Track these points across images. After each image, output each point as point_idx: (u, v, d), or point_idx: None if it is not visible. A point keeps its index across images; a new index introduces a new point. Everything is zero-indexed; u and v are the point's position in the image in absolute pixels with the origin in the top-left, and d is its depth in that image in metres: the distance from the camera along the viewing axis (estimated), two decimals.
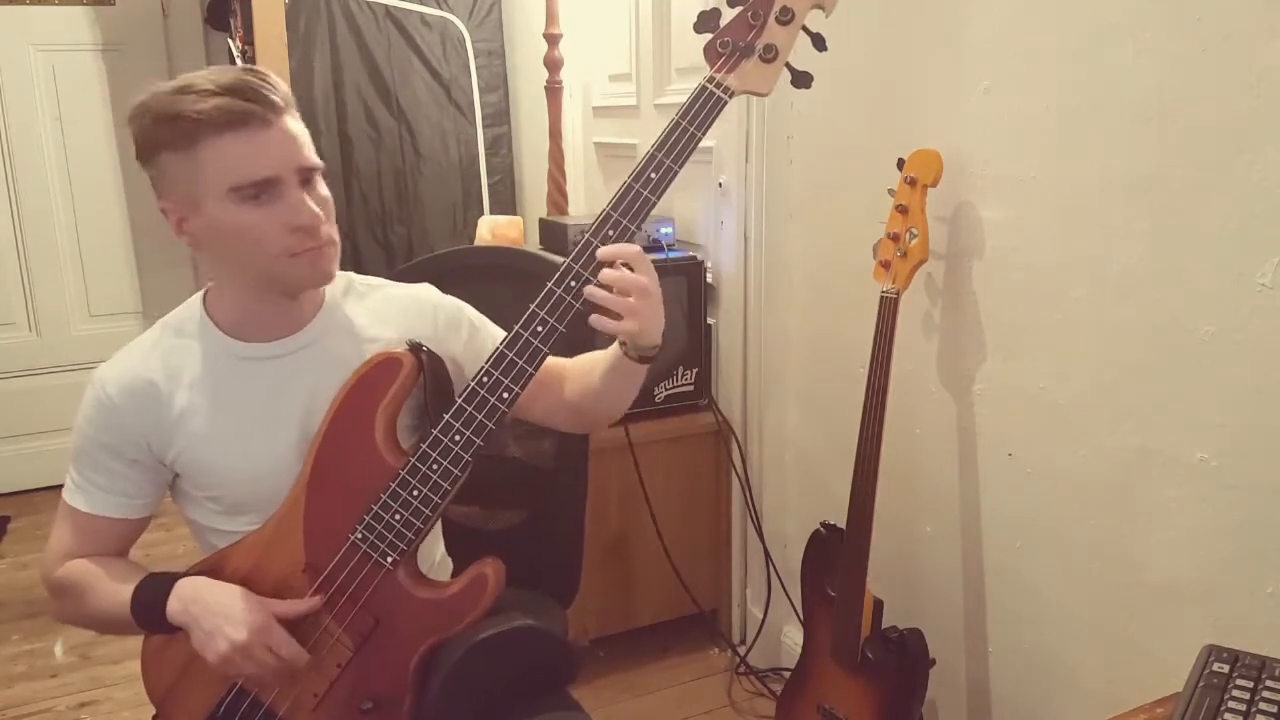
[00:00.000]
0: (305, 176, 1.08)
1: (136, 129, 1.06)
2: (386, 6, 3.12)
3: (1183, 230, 1.27)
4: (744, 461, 2.31)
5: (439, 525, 1.31)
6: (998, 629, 1.66)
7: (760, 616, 2.33)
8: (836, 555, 1.65)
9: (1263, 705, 0.88)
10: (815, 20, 1.12)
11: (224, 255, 1.10)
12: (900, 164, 1.57)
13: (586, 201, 2.99)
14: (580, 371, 1.24)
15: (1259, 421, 1.21)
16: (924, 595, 1.80)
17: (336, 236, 1.11)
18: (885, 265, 1.58)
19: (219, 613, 1.04)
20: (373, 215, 3.28)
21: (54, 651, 2.52)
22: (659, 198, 1.07)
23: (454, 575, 1.19)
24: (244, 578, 1.11)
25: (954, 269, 1.65)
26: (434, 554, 1.30)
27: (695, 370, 2.31)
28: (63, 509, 1.17)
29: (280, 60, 2.43)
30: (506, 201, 3.43)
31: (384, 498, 1.08)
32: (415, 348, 1.15)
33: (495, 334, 1.26)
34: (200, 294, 1.19)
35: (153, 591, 1.09)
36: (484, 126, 3.27)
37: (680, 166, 1.07)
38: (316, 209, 1.08)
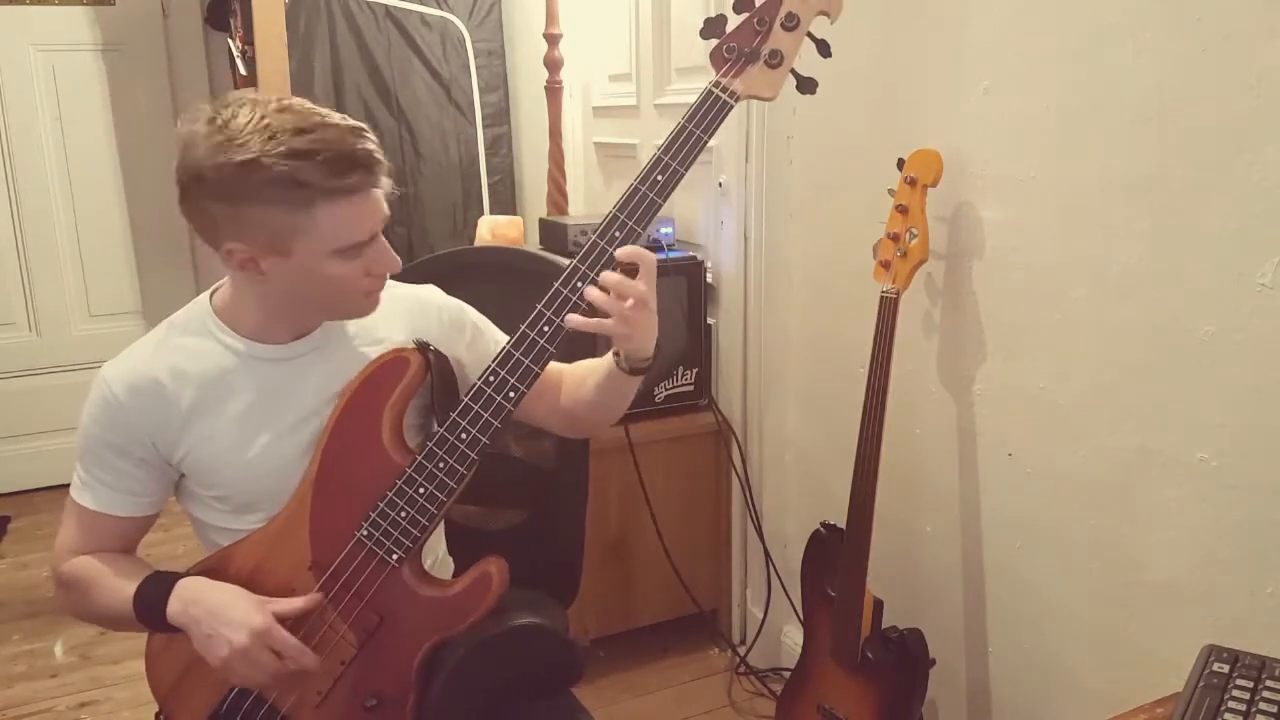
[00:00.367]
0: (386, 221, 1.11)
1: (231, 184, 1.00)
2: (386, 6, 3.12)
3: (1183, 230, 1.28)
4: (744, 461, 2.31)
5: (441, 524, 1.31)
6: (998, 629, 1.67)
7: (760, 616, 2.34)
8: (836, 555, 1.65)
9: (1263, 705, 0.88)
10: (820, 26, 1.13)
11: (295, 291, 1.10)
12: (900, 164, 1.57)
13: (586, 201, 2.99)
14: (576, 379, 1.25)
15: (1259, 421, 1.22)
16: (924, 595, 1.81)
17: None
18: (885, 265, 1.59)
19: (219, 615, 1.04)
20: None
21: (54, 651, 2.52)
22: (665, 200, 1.07)
23: (456, 574, 1.19)
24: (248, 575, 1.12)
25: (954, 269, 1.65)
26: (436, 552, 1.31)
27: (695, 370, 2.31)
28: (70, 505, 1.18)
29: (280, 60, 2.43)
30: (506, 201, 3.43)
31: (390, 495, 1.09)
32: (423, 347, 1.16)
33: (497, 337, 1.28)
34: (206, 294, 1.19)
35: (154, 591, 1.09)
36: (484, 126, 3.27)
37: (686, 170, 1.08)
38: (395, 256, 1.12)
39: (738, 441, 2.31)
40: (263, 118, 1.00)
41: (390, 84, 3.21)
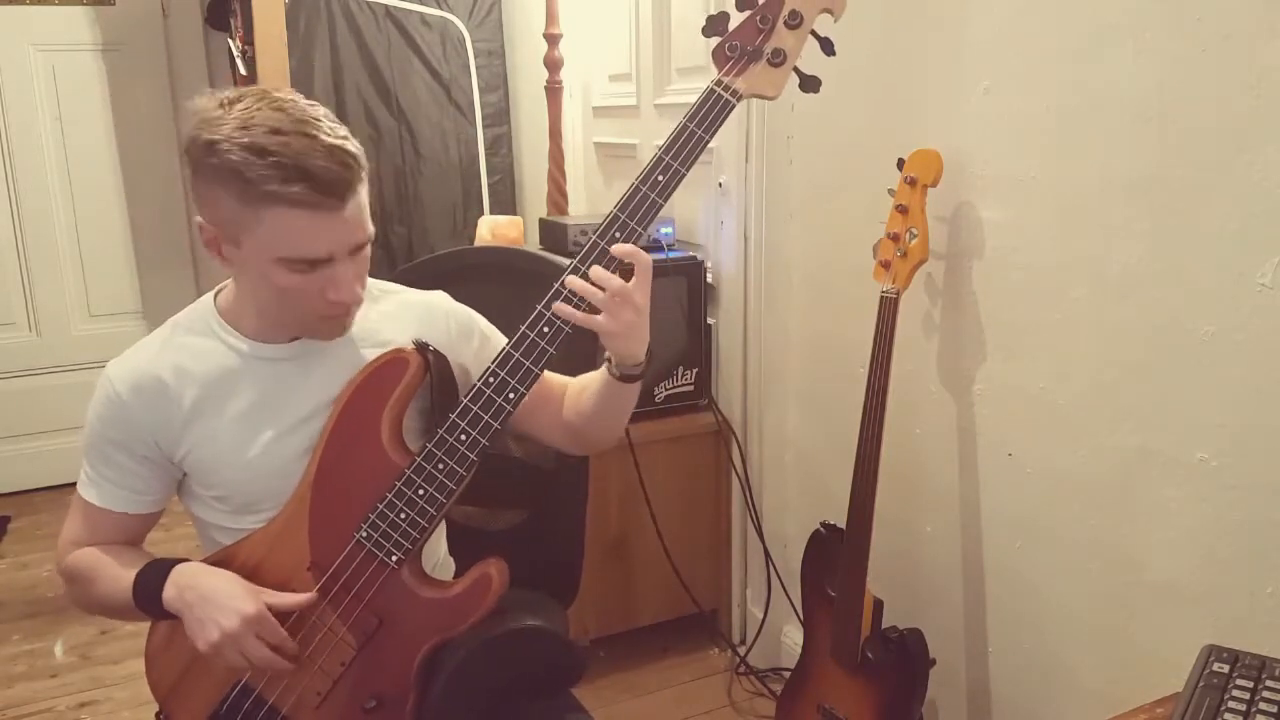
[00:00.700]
0: (356, 250, 1.08)
1: (196, 158, 1.02)
2: (386, 6, 3.12)
3: (1183, 230, 1.28)
4: (744, 461, 2.31)
5: (442, 525, 1.32)
6: (998, 629, 1.67)
7: (760, 616, 2.34)
8: (836, 555, 1.65)
9: (1263, 705, 0.88)
10: (824, 24, 1.13)
11: (256, 292, 1.10)
12: (900, 164, 1.57)
13: (586, 201, 2.99)
14: (575, 392, 1.25)
15: (1259, 421, 1.22)
16: (924, 595, 1.81)
17: (363, 296, 1.12)
18: (885, 265, 1.59)
19: (211, 599, 1.05)
20: (372, 215, 3.28)
21: (54, 651, 2.52)
22: (666, 200, 1.07)
23: (456, 575, 1.19)
24: (248, 575, 1.11)
25: (954, 269, 1.65)
26: (437, 554, 1.31)
27: (695, 370, 2.31)
28: (76, 500, 1.19)
29: (280, 60, 2.43)
30: (506, 201, 3.43)
31: (389, 496, 1.09)
32: (422, 347, 1.16)
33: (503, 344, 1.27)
34: (211, 294, 1.19)
35: (152, 577, 1.10)
36: (484, 126, 3.27)
37: (687, 169, 1.07)
38: (358, 287, 1.08)
39: (738, 441, 2.31)
40: (256, 110, 1.01)
41: (390, 84, 3.21)
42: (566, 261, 1.09)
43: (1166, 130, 1.28)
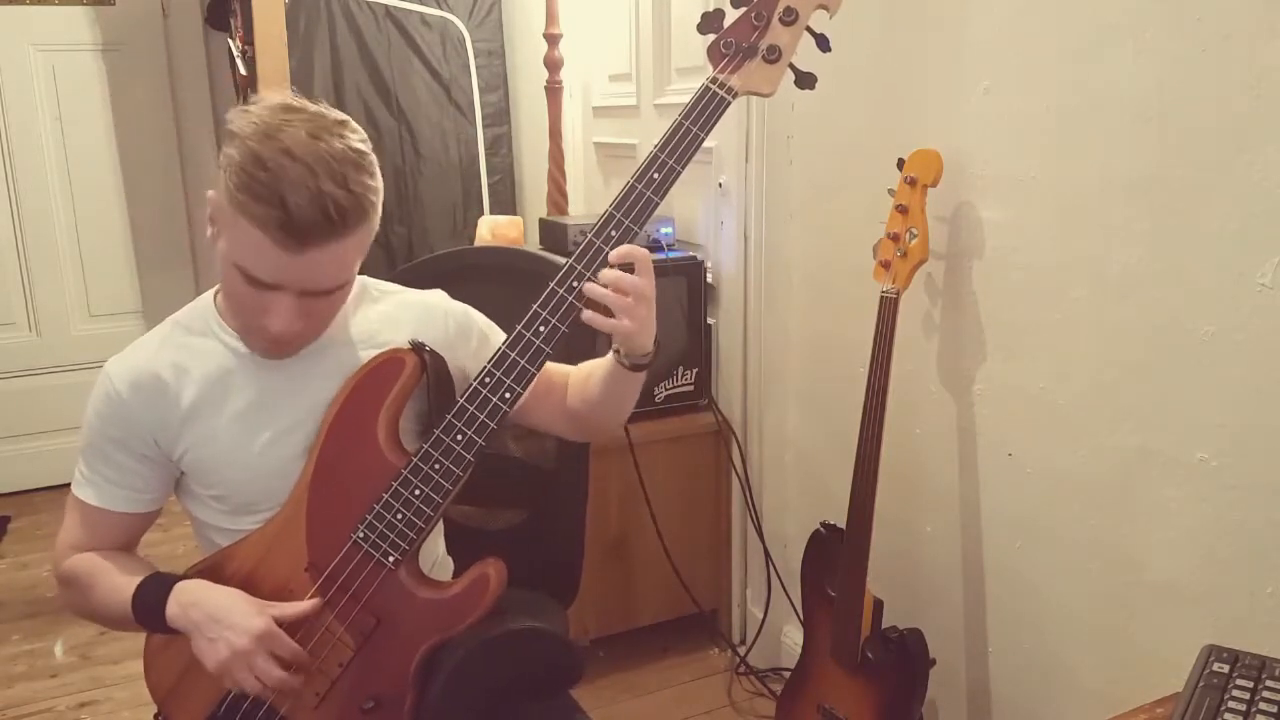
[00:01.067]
0: (309, 293, 1.05)
1: (225, 137, 1.03)
2: (386, 6, 3.12)
3: (1183, 230, 1.27)
4: (744, 461, 2.31)
5: (440, 525, 1.31)
6: (998, 629, 1.66)
7: (760, 616, 2.34)
8: (836, 555, 1.65)
9: (1263, 705, 0.88)
10: (819, 21, 1.12)
11: (221, 280, 1.11)
12: (900, 164, 1.57)
13: (586, 201, 2.99)
14: (579, 380, 1.25)
15: (1259, 421, 1.22)
16: (924, 595, 1.80)
17: (311, 334, 1.11)
18: (885, 265, 1.58)
19: (220, 619, 1.04)
20: None
21: (54, 651, 2.52)
22: (662, 198, 1.07)
23: (455, 575, 1.19)
24: (246, 577, 1.11)
25: (954, 269, 1.65)
26: (435, 553, 1.31)
27: (695, 370, 2.31)
28: (71, 501, 1.18)
29: (280, 60, 2.43)
30: (506, 201, 3.43)
31: (386, 497, 1.09)
32: (418, 347, 1.15)
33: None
34: (210, 293, 1.19)
35: (153, 593, 1.09)
36: (484, 126, 3.27)
37: (683, 167, 1.07)
38: (295, 327, 1.06)
39: (738, 441, 2.31)
40: (289, 127, 1.00)
41: (390, 84, 3.21)
42: (565, 262, 1.08)
43: (1166, 130, 1.28)
